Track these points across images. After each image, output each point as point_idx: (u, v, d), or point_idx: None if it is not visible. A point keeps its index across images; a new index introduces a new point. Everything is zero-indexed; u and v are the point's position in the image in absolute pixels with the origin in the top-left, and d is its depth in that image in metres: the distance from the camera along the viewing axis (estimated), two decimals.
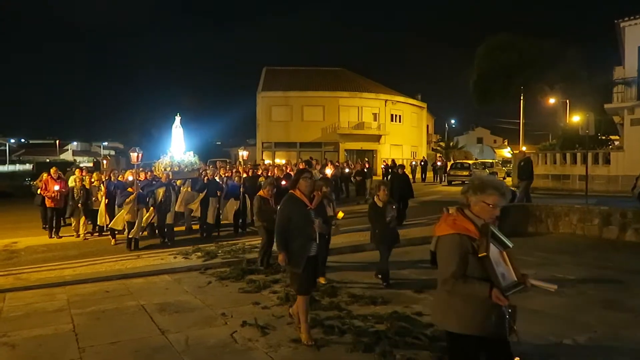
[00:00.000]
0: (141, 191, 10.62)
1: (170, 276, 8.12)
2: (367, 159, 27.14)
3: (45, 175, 12.27)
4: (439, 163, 32.87)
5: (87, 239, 11.79)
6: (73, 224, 12.01)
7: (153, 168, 13.90)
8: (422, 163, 31.70)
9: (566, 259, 8.86)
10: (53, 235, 11.86)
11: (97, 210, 11.98)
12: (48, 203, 11.88)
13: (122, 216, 10.49)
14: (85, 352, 4.89)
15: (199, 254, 9.50)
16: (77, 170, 14.84)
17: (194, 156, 14.15)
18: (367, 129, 42.14)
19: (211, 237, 11.41)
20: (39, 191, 12.27)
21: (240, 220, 12.54)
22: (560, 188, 20.98)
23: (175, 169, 12.92)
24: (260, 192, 8.47)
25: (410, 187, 13.27)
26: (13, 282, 7.88)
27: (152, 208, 10.92)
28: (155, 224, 11.41)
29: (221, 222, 12.31)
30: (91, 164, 54.18)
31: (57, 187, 11.82)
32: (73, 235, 11.85)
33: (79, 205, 11.72)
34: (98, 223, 12.07)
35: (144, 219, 10.72)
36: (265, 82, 43.06)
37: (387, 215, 7.07)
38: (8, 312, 6.39)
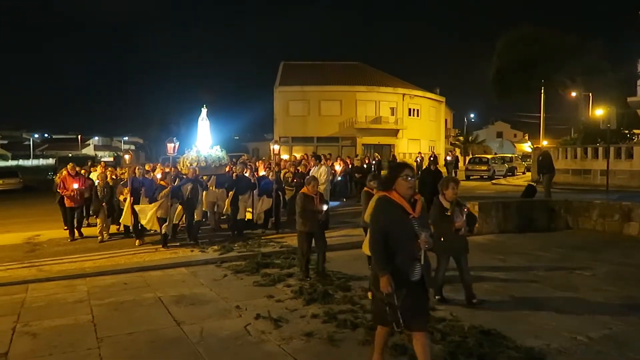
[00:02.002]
0: (174, 185, 9.98)
1: (187, 269, 8.24)
2: (368, 155, 26.47)
3: (64, 172, 11.43)
4: (448, 158, 30.79)
5: (111, 239, 10.85)
6: (98, 225, 10.95)
7: (177, 163, 12.99)
8: (432, 158, 30.41)
9: (585, 255, 8.72)
10: (76, 237, 11.05)
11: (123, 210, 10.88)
12: (67, 202, 11.02)
13: (154, 213, 9.77)
14: (103, 342, 5.02)
15: (216, 247, 9.62)
16: (99, 165, 14.11)
17: (221, 151, 12.98)
18: (385, 124, 41.97)
19: (242, 236, 10.70)
20: (58, 189, 11.27)
21: (274, 219, 11.60)
22: (581, 183, 20.62)
23: (202, 164, 12.01)
24: (304, 190, 7.48)
25: None
26: (35, 273, 8.09)
27: (180, 206, 10.15)
28: (179, 223, 10.62)
29: (255, 222, 11.49)
30: (112, 159, 55.15)
31: (76, 185, 10.88)
32: (98, 237, 10.77)
33: (103, 204, 10.75)
34: (121, 222, 11.06)
35: (176, 215, 10.08)
36: (282, 77, 43.14)
37: (455, 220, 5.86)
38: (30, 302, 6.57)
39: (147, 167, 12.26)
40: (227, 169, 12.35)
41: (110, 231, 11.24)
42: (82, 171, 12.56)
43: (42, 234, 11.92)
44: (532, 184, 14.81)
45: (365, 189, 7.63)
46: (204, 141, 12.86)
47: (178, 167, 12.51)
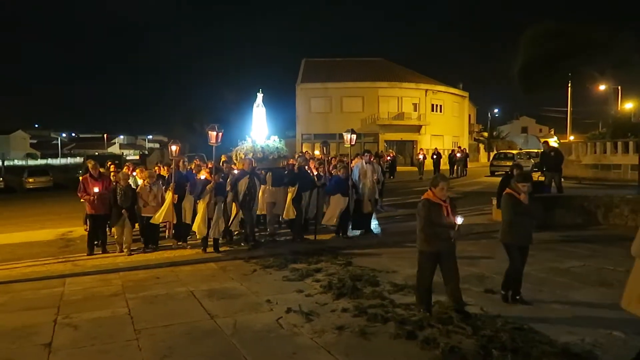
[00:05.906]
0: (221, 180, 9.01)
1: (216, 264, 8.39)
2: (381, 152, 25.40)
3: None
4: (458, 154, 27.97)
5: (132, 253, 9.15)
6: (115, 235, 9.41)
7: (232, 155, 11.45)
8: (435, 156, 25.99)
9: (617, 250, 8.54)
10: (96, 252, 9.28)
11: (145, 217, 9.31)
12: (87, 209, 9.43)
13: (202, 216, 8.84)
14: (141, 333, 5.17)
15: (243, 243, 9.75)
16: (125, 165, 11.94)
17: (280, 141, 11.31)
18: (407, 120, 41.70)
19: (303, 240, 9.86)
20: (78, 193, 9.49)
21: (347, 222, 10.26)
22: (611, 178, 20.15)
23: (258, 156, 10.53)
24: (428, 194, 5.39)
25: None
26: (71, 268, 8.35)
27: (235, 205, 9.23)
28: (230, 226, 9.55)
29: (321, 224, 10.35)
30: (137, 157, 56.09)
31: (97, 189, 9.21)
32: (118, 248, 9.33)
33: (123, 211, 9.05)
34: (151, 221, 9.23)
35: (233, 221, 9.29)
36: (304, 74, 43.21)
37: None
38: (69, 295, 6.80)
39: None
40: (281, 164, 10.88)
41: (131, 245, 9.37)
42: (105, 171, 10.85)
43: (74, 230, 12.26)
44: (542, 178, 14.12)
45: (508, 191, 5.91)
46: (259, 131, 11.35)
47: (234, 160, 11.19)
